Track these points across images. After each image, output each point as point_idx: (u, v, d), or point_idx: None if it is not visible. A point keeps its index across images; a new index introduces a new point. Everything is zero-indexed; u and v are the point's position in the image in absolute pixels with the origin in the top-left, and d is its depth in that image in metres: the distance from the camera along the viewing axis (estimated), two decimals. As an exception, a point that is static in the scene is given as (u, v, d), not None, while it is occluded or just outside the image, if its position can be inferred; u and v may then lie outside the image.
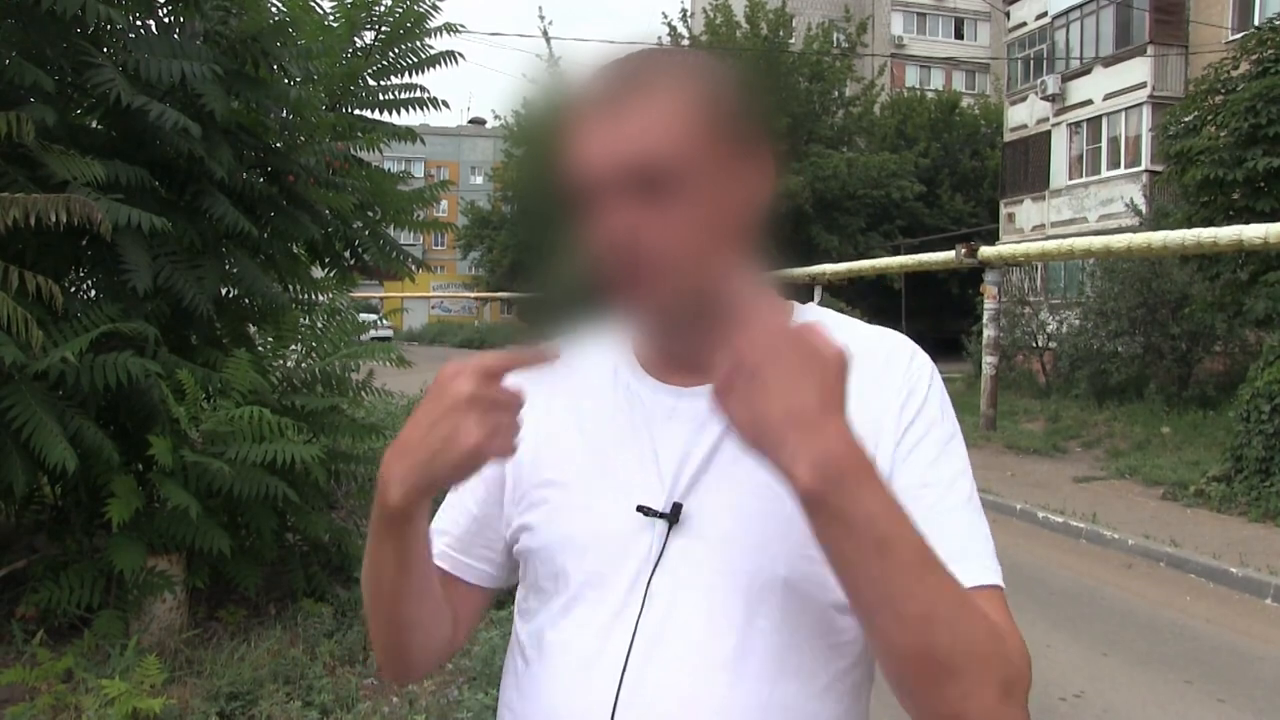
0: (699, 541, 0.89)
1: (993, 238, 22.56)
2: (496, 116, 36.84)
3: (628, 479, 0.92)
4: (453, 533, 1.05)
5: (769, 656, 0.86)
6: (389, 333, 23.90)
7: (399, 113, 5.33)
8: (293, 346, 4.92)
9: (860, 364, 0.90)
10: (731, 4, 28.29)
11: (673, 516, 0.89)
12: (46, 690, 3.47)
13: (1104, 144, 21.01)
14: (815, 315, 0.98)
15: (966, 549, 0.86)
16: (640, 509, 0.90)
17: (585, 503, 0.94)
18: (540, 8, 49.73)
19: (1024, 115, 23.90)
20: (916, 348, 0.96)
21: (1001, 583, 0.87)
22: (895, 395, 0.91)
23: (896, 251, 24.90)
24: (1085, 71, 21.43)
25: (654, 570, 0.89)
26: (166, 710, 3.31)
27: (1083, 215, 21.15)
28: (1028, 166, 23.75)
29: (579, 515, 0.94)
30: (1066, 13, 21.89)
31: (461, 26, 5.31)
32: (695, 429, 0.92)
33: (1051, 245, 13.19)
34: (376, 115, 5.35)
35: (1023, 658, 0.81)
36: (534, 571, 0.97)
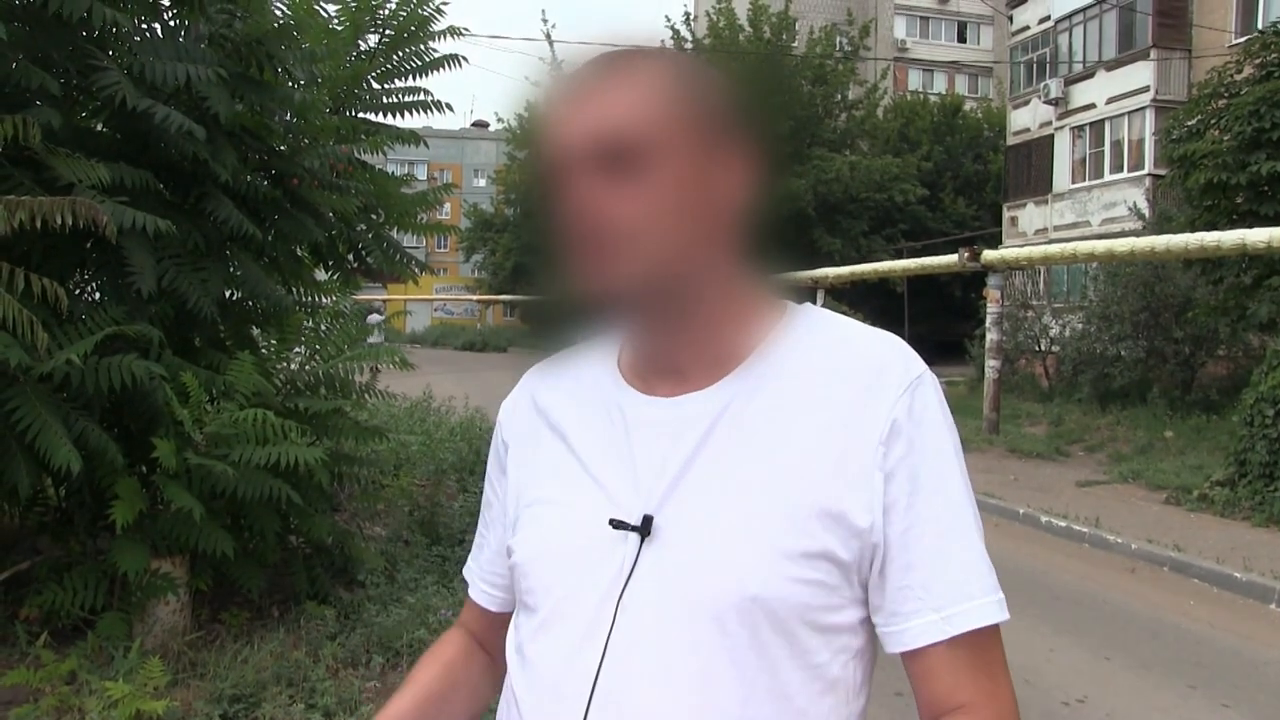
0: (670, 555, 0.87)
1: (995, 241, 22.57)
2: (499, 119, 36.87)
3: (609, 494, 0.92)
4: (482, 565, 1.12)
5: (739, 676, 0.84)
6: (380, 337, 24.97)
7: (402, 115, 5.35)
8: (296, 349, 4.92)
9: (849, 373, 0.90)
10: (734, 7, 28.32)
11: (644, 530, 0.88)
12: (50, 692, 3.48)
13: (1107, 148, 21.00)
14: (810, 316, 0.97)
15: (975, 585, 0.88)
16: (613, 522, 0.89)
17: (564, 518, 0.94)
18: (543, 11, 49.90)
19: (1027, 119, 23.89)
20: (912, 360, 0.91)
21: (1006, 612, 0.89)
22: (881, 422, 0.87)
23: (899, 255, 24.88)
24: (1088, 75, 21.42)
25: (625, 584, 0.87)
26: (169, 712, 3.31)
27: (1086, 219, 21.14)
28: (1030, 170, 23.74)
29: (557, 531, 0.94)
30: (1069, 16, 21.89)
31: (465, 30, 5.32)
32: (672, 439, 0.91)
33: (1054, 249, 13.20)
34: (380, 118, 5.36)
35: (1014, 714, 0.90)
36: (518, 588, 0.97)
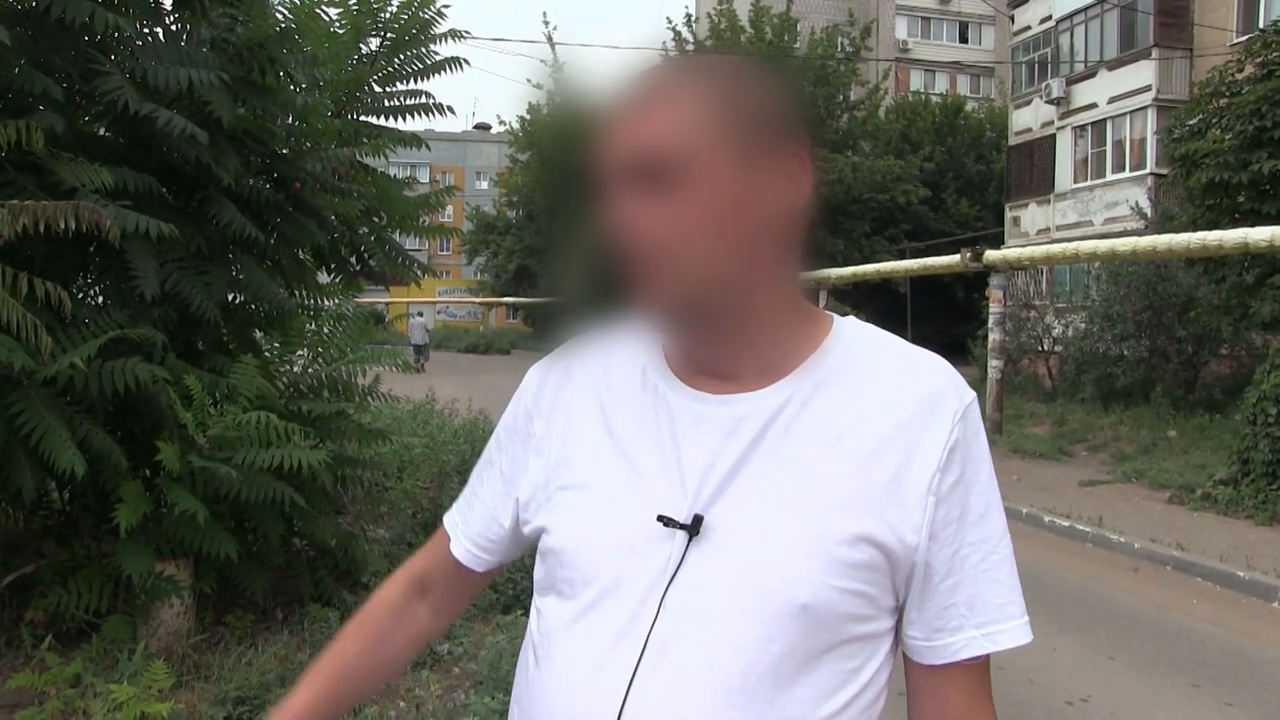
0: (719, 556, 0.87)
1: (998, 241, 22.54)
2: (501, 122, 36.91)
3: (651, 486, 0.91)
4: (471, 523, 1.10)
5: (779, 679, 0.85)
6: (425, 339, 25.12)
7: (404, 119, 5.35)
8: (299, 352, 4.94)
9: (904, 394, 0.91)
10: (736, 9, 28.31)
11: (693, 528, 0.88)
12: (55, 695, 3.49)
13: (1109, 147, 20.99)
14: (855, 330, 0.97)
15: (1008, 608, 0.92)
16: (661, 518, 0.89)
17: (607, 508, 0.93)
18: (544, 13, 49.81)
19: (1029, 119, 23.88)
20: (963, 386, 0.93)
21: (1030, 634, 0.93)
22: (938, 447, 0.89)
23: (902, 255, 24.86)
24: (1090, 75, 21.41)
25: (670, 582, 0.87)
26: (174, 715, 3.32)
27: (1088, 218, 21.12)
28: (1033, 170, 23.73)
29: (600, 520, 0.93)
30: (1071, 16, 21.88)
31: (466, 33, 5.33)
32: (721, 438, 0.90)
33: (1057, 249, 13.18)
34: (382, 121, 5.37)
35: None
36: (551, 573, 0.96)
